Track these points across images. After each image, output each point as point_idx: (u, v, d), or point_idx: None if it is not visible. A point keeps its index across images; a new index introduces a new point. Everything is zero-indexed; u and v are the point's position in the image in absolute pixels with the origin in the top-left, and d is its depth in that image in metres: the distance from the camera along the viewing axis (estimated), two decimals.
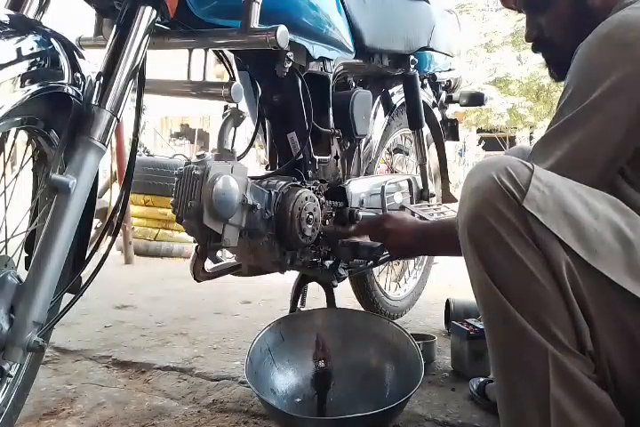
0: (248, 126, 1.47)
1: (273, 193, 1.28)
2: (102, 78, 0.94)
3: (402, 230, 1.30)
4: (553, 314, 0.77)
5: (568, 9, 1.06)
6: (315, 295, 1.65)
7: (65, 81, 0.89)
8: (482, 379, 1.42)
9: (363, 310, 1.88)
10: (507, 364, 0.82)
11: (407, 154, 2.17)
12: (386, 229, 1.31)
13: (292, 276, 1.51)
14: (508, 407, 0.83)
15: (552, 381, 0.76)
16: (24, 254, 1.03)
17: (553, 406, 0.76)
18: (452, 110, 2.29)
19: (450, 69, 2.09)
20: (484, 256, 0.80)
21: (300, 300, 1.52)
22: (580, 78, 0.90)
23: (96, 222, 3.35)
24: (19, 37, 0.83)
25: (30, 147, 1.02)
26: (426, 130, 1.96)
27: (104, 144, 0.92)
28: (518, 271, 0.78)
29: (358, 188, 1.55)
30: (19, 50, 0.81)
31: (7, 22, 0.84)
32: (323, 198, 1.43)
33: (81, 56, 0.95)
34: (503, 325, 0.80)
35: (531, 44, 1.12)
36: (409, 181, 1.83)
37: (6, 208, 0.98)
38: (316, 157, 1.46)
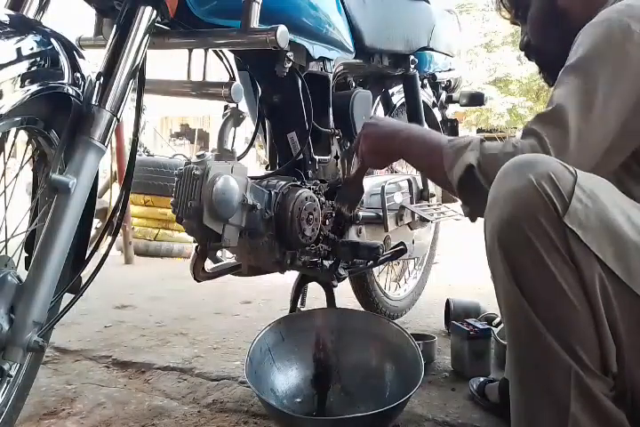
0: (248, 126, 1.47)
1: (273, 193, 1.28)
2: (102, 78, 0.94)
3: (381, 132, 1.14)
4: (581, 337, 0.75)
5: (539, 13, 1.09)
6: (315, 295, 1.65)
7: (65, 81, 0.89)
8: (482, 379, 1.42)
9: (363, 310, 1.88)
10: (528, 377, 0.80)
11: None
12: (366, 133, 1.16)
13: (292, 276, 1.51)
14: (522, 420, 0.82)
15: (573, 400, 0.75)
16: (24, 254, 1.03)
17: (571, 424, 0.75)
18: (452, 110, 2.29)
19: (450, 69, 2.09)
20: (515, 267, 0.77)
21: (299, 300, 1.52)
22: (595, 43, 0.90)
23: (96, 222, 3.35)
24: (19, 37, 0.83)
25: (30, 147, 1.02)
26: None
27: (104, 144, 0.92)
28: (551, 288, 0.75)
29: None
30: (19, 50, 0.81)
31: (7, 22, 0.84)
32: (323, 198, 1.43)
33: (81, 56, 0.95)
34: (529, 340, 0.78)
35: (524, 55, 1.17)
36: (409, 181, 1.83)
37: (6, 208, 0.98)
38: (316, 157, 1.46)
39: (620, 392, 0.78)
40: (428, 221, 1.84)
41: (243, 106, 1.33)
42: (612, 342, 0.76)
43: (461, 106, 2.21)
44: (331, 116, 1.49)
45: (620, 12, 0.90)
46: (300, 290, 1.51)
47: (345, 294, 1.94)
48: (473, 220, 0.98)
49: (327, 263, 1.46)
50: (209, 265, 1.35)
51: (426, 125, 1.92)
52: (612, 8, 0.92)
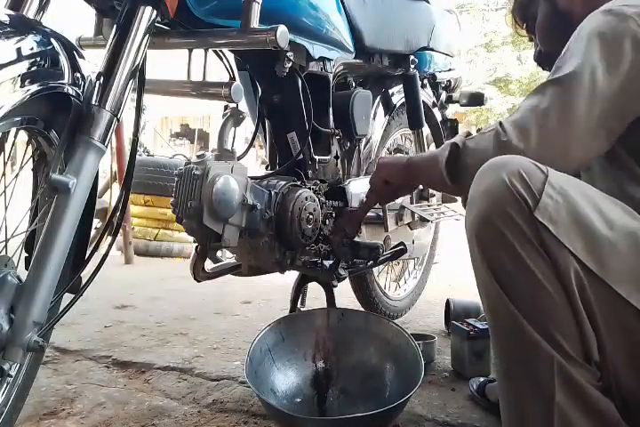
0: (248, 126, 1.47)
1: (273, 193, 1.28)
2: (102, 78, 0.94)
3: (393, 161, 1.23)
4: (560, 325, 0.76)
5: (544, 18, 1.12)
6: (315, 295, 1.65)
7: (65, 81, 0.89)
8: (482, 379, 1.42)
9: (363, 310, 1.88)
10: (512, 370, 0.81)
11: (407, 154, 2.17)
12: (379, 164, 1.23)
13: (292, 276, 1.51)
14: (511, 413, 0.83)
15: (557, 389, 0.76)
16: (24, 254, 1.03)
17: (557, 414, 0.76)
18: (452, 110, 2.29)
19: (450, 69, 2.09)
20: (493, 263, 0.79)
21: (300, 300, 1.52)
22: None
23: (96, 222, 3.35)
24: (19, 37, 0.83)
25: (30, 147, 1.02)
26: (426, 130, 1.96)
27: (104, 144, 0.92)
28: (527, 281, 0.77)
29: (358, 188, 1.55)
30: (19, 50, 0.81)
31: (7, 22, 0.84)
32: (323, 198, 1.43)
33: (81, 56, 0.95)
34: (511, 332, 0.79)
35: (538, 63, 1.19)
36: None
37: (6, 208, 0.98)
38: (316, 157, 1.46)
39: (607, 384, 0.79)
40: (428, 221, 1.84)
41: (243, 106, 1.33)
42: (590, 330, 0.77)
43: (461, 106, 2.21)
44: (331, 116, 1.49)
45: (621, 4, 0.91)
46: (300, 290, 1.51)
47: (345, 294, 1.94)
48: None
49: (327, 263, 1.46)
50: (209, 265, 1.35)
51: (426, 126, 1.92)
52: (610, 3, 0.93)
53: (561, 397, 0.76)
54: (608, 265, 0.76)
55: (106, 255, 0.98)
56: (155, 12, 1.00)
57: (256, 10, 1.06)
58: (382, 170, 1.20)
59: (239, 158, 1.27)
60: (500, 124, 0.89)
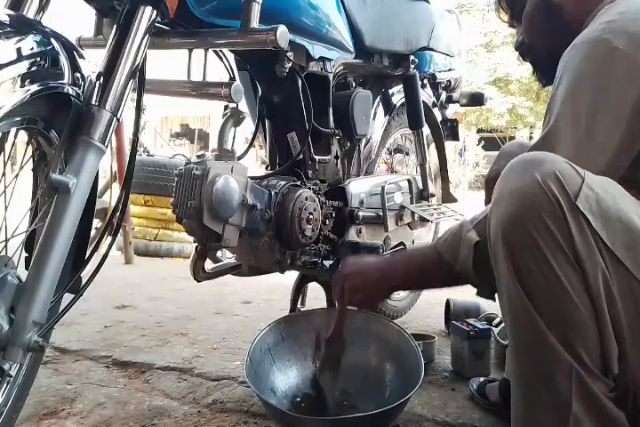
0: (248, 126, 1.47)
1: (273, 193, 1.28)
2: (102, 78, 0.94)
3: (363, 268, 1.12)
4: (582, 337, 0.75)
5: (534, 8, 1.08)
6: (315, 295, 1.65)
7: (65, 81, 0.89)
8: (482, 379, 1.42)
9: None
10: (529, 377, 0.80)
11: (407, 154, 2.17)
12: (344, 272, 1.12)
13: (292, 276, 1.51)
14: (525, 418, 0.82)
15: (574, 399, 0.75)
16: (24, 254, 1.03)
17: (572, 424, 0.75)
18: (452, 110, 2.29)
19: (450, 69, 2.09)
20: (519, 266, 0.77)
21: (300, 300, 1.52)
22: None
23: (96, 222, 3.35)
24: (19, 37, 0.83)
25: (30, 147, 1.02)
26: (426, 130, 1.96)
27: (104, 144, 0.92)
28: (554, 288, 0.75)
29: (358, 188, 1.55)
30: (19, 50, 0.81)
31: (7, 22, 0.84)
32: (323, 198, 1.43)
33: (81, 56, 0.95)
34: (530, 336, 0.78)
35: (518, 55, 1.16)
36: (409, 181, 1.83)
37: (6, 208, 0.98)
38: (316, 157, 1.46)
39: (620, 394, 0.78)
40: (428, 221, 1.84)
41: (243, 106, 1.33)
42: (614, 343, 0.76)
43: (461, 106, 2.21)
44: (331, 116, 1.49)
45: (601, 31, 0.88)
46: (300, 290, 1.52)
47: None
48: (492, 297, 0.97)
49: (327, 263, 1.46)
50: (209, 265, 1.35)
51: (426, 125, 1.92)
52: (591, 28, 0.91)
53: (577, 407, 0.75)
54: None
55: (106, 255, 0.98)
56: (155, 11, 1.00)
57: (256, 10, 1.06)
58: (357, 279, 1.09)
59: (239, 158, 1.27)
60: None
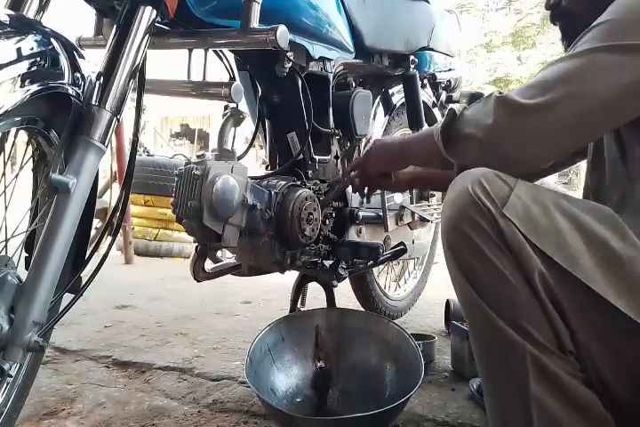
0: (248, 126, 1.47)
1: (273, 193, 1.28)
2: (102, 78, 0.94)
3: (382, 145, 1.23)
4: (528, 315, 0.78)
5: None
6: (315, 295, 1.65)
7: (65, 81, 0.89)
8: None
9: (363, 310, 1.88)
10: (489, 366, 0.83)
11: None
12: (367, 152, 1.26)
13: (292, 276, 1.51)
14: (493, 410, 0.84)
15: (531, 378, 0.77)
16: (24, 254, 1.03)
17: (535, 405, 0.77)
18: None
19: (450, 69, 2.09)
20: (461, 263, 0.82)
21: (300, 300, 1.52)
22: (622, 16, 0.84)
23: (96, 222, 3.35)
24: (19, 37, 0.82)
25: (30, 147, 1.02)
26: None
27: (104, 144, 0.92)
28: (492, 275, 0.79)
29: None
30: (19, 50, 0.81)
31: (7, 22, 0.84)
32: (323, 198, 1.43)
33: (81, 56, 0.95)
34: (484, 326, 0.81)
35: (549, 17, 1.08)
36: None
37: (6, 208, 0.98)
38: (316, 157, 1.46)
39: (588, 375, 0.80)
40: (427, 221, 1.84)
41: (243, 106, 1.33)
42: (561, 322, 0.78)
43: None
44: (331, 116, 1.49)
45: None
46: (300, 290, 1.52)
47: (345, 294, 1.94)
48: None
49: (327, 263, 1.46)
50: (209, 265, 1.35)
51: (426, 126, 1.92)
52: None
53: (536, 386, 0.77)
54: (578, 261, 0.77)
55: (106, 255, 0.98)
56: (155, 12, 1.00)
57: (256, 10, 1.06)
58: (374, 156, 1.22)
59: (239, 158, 1.27)
60: (500, 92, 0.89)
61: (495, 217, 0.79)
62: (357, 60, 1.61)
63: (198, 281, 1.32)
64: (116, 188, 3.74)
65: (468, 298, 0.82)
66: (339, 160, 1.56)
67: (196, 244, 1.26)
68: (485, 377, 0.85)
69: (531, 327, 0.78)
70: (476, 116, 0.92)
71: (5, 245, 0.96)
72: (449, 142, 0.96)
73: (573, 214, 0.80)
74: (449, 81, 2.14)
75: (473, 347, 0.87)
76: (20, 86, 0.80)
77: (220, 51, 1.30)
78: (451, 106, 0.97)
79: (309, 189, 1.37)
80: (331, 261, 1.46)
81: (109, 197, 3.64)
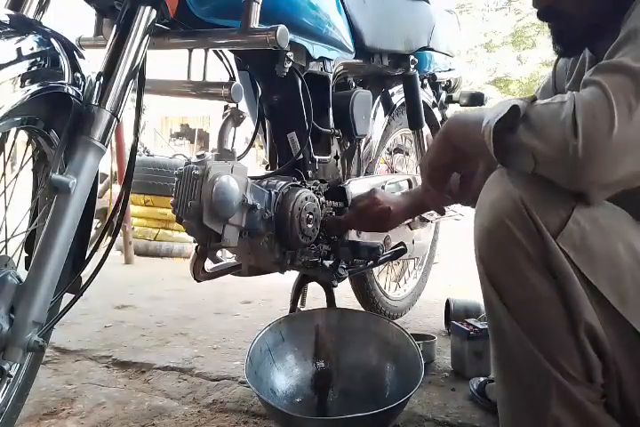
0: (248, 126, 1.47)
1: (273, 193, 1.28)
2: (102, 78, 0.94)
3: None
4: (562, 349, 0.75)
5: None
6: (315, 295, 1.65)
7: (65, 81, 0.89)
8: (482, 379, 1.42)
9: (363, 310, 1.88)
10: (509, 378, 0.81)
11: (407, 154, 2.17)
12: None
13: (291, 276, 1.51)
14: (508, 419, 0.82)
15: (554, 404, 0.75)
16: (24, 254, 1.02)
17: (550, 424, 0.75)
18: (452, 110, 2.29)
19: (450, 69, 2.09)
20: (496, 280, 0.77)
21: (299, 300, 1.51)
22: None
23: (96, 222, 3.35)
24: (19, 37, 0.82)
25: (30, 147, 1.02)
26: (426, 130, 1.96)
27: (104, 144, 0.92)
28: (531, 300, 0.75)
29: (358, 188, 1.55)
30: (19, 50, 0.81)
31: (7, 22, 0.84)
32: (323, 198, 1.43)
33: (81, 56, 0.95)
34: (512, 344, 0.78)
35: (537, 15, 0.99)
36: (409, 181, 1.83)
37: (6, 208, 0.98)
38: (316, 157, 1.46)
39: (610, 400, 0.78)
40: (427, 221, 1.84)
41: (243, 106, 1.33)
42: (595, 357, 0.75)
43: (461, 106, 2.21)
44: (331, 116, 1.49)
45: None
46: (300, 290, 1.51)
47: (345, 294, 1.94)
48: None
49: (327, 263, 1.46)
50: (209, 265, 1.35)
51: (426, 125, 1.92)
52: None
53: (557, 410, 0.75)
54: (628, 301, 0.74)
55: (106, 255, 0.98)
56: (155, 12, 1.00)
57: (256, 10, 1.06)
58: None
59: (239, 158, 1.27)
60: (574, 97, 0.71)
61: (546, 243, 0.73)
62: (357, 60, 1.61)
63: (198, 281, 1.32)
64: (116, 188, 3.74)
65: (499, 315, 0.78)
66: (339, 160, 1.56)
67: (196, 244, 1.26)
68: (502, 384, 0.82)
69: (564, 361, 0.75)
70: (546, 119, 0.73)
71: (5, 245, 0.96)
72: (502, 149, 0.76)
73: (638, 249, 0.75)
74: (449, 81, 2.14)
75: (493, 355, 0.84)
76: (20, 86, 0.80)
77: (220, 51, 1.30)
78: (513, 101, 0.75)
79: (309, 189, 1.37)
80: (331, 261, 1.46)
81: (109, 197, 3.63)
